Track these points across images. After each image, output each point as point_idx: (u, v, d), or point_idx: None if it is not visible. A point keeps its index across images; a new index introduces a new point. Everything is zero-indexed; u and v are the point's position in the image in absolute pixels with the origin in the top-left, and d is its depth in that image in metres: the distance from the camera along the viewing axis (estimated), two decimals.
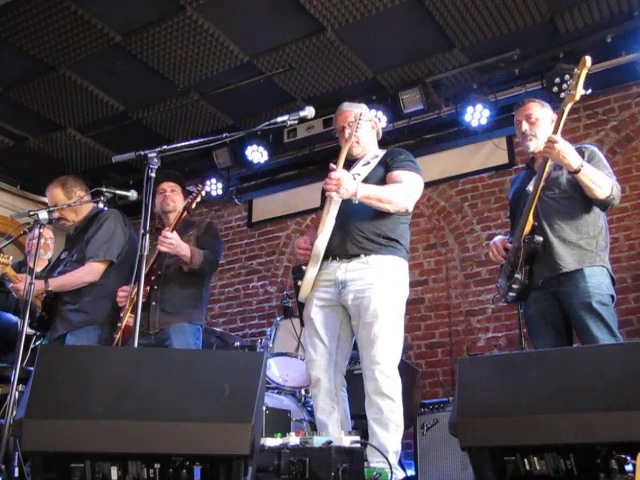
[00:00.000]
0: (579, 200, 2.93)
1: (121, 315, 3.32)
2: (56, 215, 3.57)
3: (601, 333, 2.74)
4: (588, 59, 2.74)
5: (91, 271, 3.51)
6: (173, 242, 3.28)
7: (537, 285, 2.94)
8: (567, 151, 2.78)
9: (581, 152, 2.96)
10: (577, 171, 2.79)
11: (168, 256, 3.48)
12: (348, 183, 2.85)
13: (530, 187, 2.99)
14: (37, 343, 3.76)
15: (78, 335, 3.43)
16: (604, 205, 2.91)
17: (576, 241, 2.90)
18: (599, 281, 2.85)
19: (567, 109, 2.81)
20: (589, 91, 2.81)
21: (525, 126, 3.07)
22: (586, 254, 2.88)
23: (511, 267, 2.95)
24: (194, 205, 3.41)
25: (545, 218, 2.96)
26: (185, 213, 3.42)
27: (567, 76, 4.63)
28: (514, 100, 5.24)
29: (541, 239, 2.88)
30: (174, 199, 3.63)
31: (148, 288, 3.35)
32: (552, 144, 2.77)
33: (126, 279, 3.58)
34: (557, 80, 4.72)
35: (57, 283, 3.47)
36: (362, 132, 3.12)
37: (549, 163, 2.88)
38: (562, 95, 2.82)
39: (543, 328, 2.96)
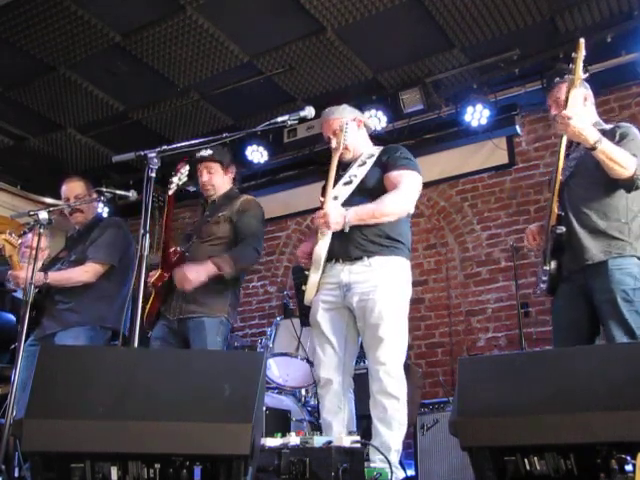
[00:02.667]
0: (607, 184, 2.75)
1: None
2: (75, 205, 3.66)
3: (620, 334, 2.62)
4: (582, 41, 2.67)
5: (89, 271, 3.53)
6: (193, 280, 3.09)
7: (565, 277, 2.82)
8: (583, 126, 2.65)
9: (613, 131, 2.84)
10: (594, 148, 2.64)
11: (197, 236, 3.36)
12: (335, 217, 2.84)
13: (553, 174, 2.88)
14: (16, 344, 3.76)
15: (69, 335, 3.44)
16: (629, 186, 2.72)
17: (604, 229, 2.74)
18: (625, 273, 2.68)
19: (571, 95, 2.72)
20: (586, 75, 2.77)
21: (555, 110, 2.91)
22: (614, 243, 2.72)
23: (543, 257, 2.86)
24: (171, 192, 3.18)
25: (571, 207, 2.83)
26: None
27: (567, 76, 4.63)
28: (514, 100, 5.27)
29: (563, 229, 2.76)
30: (212, 183, 3.46)
31: (167, 275, 3.24)
32: (566, 120, 2.65)
33: (125, 282, 3.59)
34: (557, 80, 4.70)
35: (56, 277, 3.48)
36: (349, 136, 3.05)
37: (563, 145, 2.78)
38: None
39: (566, 325, 2.84)
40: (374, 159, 3.10)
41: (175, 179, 3.15)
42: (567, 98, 2.73)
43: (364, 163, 3.09)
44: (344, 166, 3.10)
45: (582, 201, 2.81)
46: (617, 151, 2.67)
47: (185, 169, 3.14)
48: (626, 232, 2.74)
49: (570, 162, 2.90)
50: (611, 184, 2.75)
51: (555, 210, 2.81)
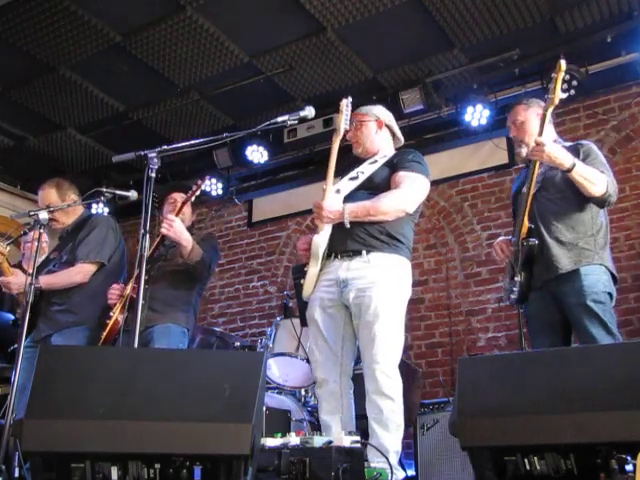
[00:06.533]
0: (575, 199, 2.91)
1: (110, 313, 3.32)
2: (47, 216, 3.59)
3: (597, 331, 2.74)
4: (563, 62, 2.76)
5: (80, 272, 3.52)
6: (174, 225, 3.19)
7: (537, 287, 2.94)
8: (557, 152, 2.78)
9: (576, 149, 2.96)
10: (570, 170, 2.77)
11: (163, 258, 3.47)
12: (331, 210, 2.87)
13: (525, 188, 2.98)
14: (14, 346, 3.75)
15: (65, 336, 3.42)
16: (601, 203, 2.89)
17: (573, 241, 2.88)
18: (595, 279, 2.83)
19: (548, 114, 2.83)
20: (567, 94, 2.83)
21: (514, 132, 3.09)
22: (583, 253, 2.87)
23: (512, 269, 2.96)
24: (193, 199, 3.36)
25: (541, 219, 2.95)
26: (185, 207, 3.42)
27: (567, 76, 4.64)
28: (514, 100, 5.24)
29: (536, 241, 2.88)
30: (183, 210, 3.54)
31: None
32: (540, 147, 2.76)
33: (117, 280, 3.59)
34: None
35: (47, 281, 3.45)
36: (364, 133, 3.12)
37: (537, 165, 2.88)
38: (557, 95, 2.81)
39: (541, 328, 2.97)
40: (386, 159, 3.11)
41: (203, 186, 3.35)
42: (543, 122, 2.82)
43: (375, 162, 3.10)
44: (356, 163, 3.11)
45: (551, 214, 2.95)
46: (590, 171, 2.81)
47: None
48: (592, 243, 2.89)
49: (538, 177, 2.98)
50: (578, 199, 2.90)
51: (526, 223, 2.91)
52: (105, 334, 3.30)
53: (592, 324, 2.76)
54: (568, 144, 3.07)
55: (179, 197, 3.60)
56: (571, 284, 2.84)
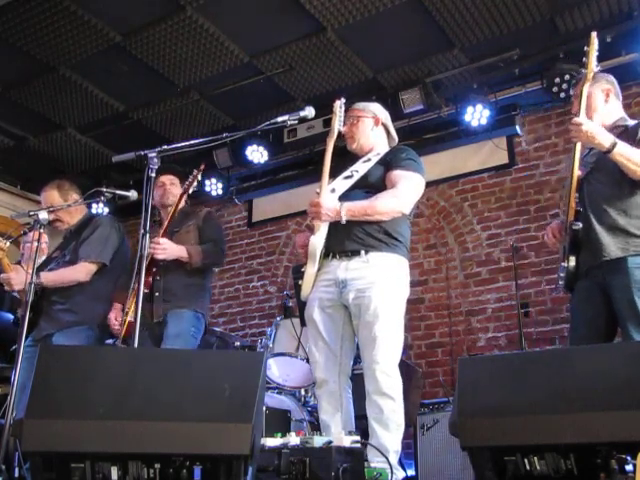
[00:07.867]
0: (628, 181, 2.71)
1: (126, 309, 3.35)
2: (51, 217, 3.59)
3: (638, 336, 2.56)
4: (594, 35, 2.67)
5: (82, 271, 3.54)
6: (166, 247, 3.32)
7: (583, 273, 2.79)
8: (595, 131, 2.63)
9: (635, 128, 2.80)
10: (609, 151, 2.61)
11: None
12: (328, 208, 2.86)
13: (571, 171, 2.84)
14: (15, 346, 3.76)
15: (66, 335, 3.44)
16: None
17: (623, 226, 2.69)
18: None
19: (585, 89, 2.72)
20: (599, 69, 2.76)
21: (576, 107, 2.84)
22: (632, 241, 2.67)
23: (562, 254, 2.83)
24: (190, 191, 3.42)
25: (590, 203, 2.78)
26: (181, 202, 3.45)
27: (567, 76, 4.64)
28: (514, 100, 5.27)
29: (580, 225, 2.73)
30: (174, 193, 3.62)
31: (150, 279, 3.38)
32: (578, 127, 2.64)
33: (117, 282, 3.60)
34: (557, 80, 4.73)
35: (49, 278, 3.48)
36: (359, 128, 3.12)
37: (578, 147, 2.75)
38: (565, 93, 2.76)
39: (581, 322, 2.81)
40: (379, 157, 3.09)
41: (199, 177, 3.42)
42: (580, 99, 2.71)
43: (369, 160, 3.09)
44: (349, 162, 3.10)
45: (602, 197, 2.76)
46: (634, 153, 2.63)
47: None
48: None
49: (591, 158, 2.87)
50: (632, 181, 2.71)
51: (573, 206, 2.77)
52: (124, 330, 3.35)
53: (634, 327, 2.57)
54: (633, 122, 2.90)
55: (167, 180, 3.66)
56: (618, 276, 2.65)
